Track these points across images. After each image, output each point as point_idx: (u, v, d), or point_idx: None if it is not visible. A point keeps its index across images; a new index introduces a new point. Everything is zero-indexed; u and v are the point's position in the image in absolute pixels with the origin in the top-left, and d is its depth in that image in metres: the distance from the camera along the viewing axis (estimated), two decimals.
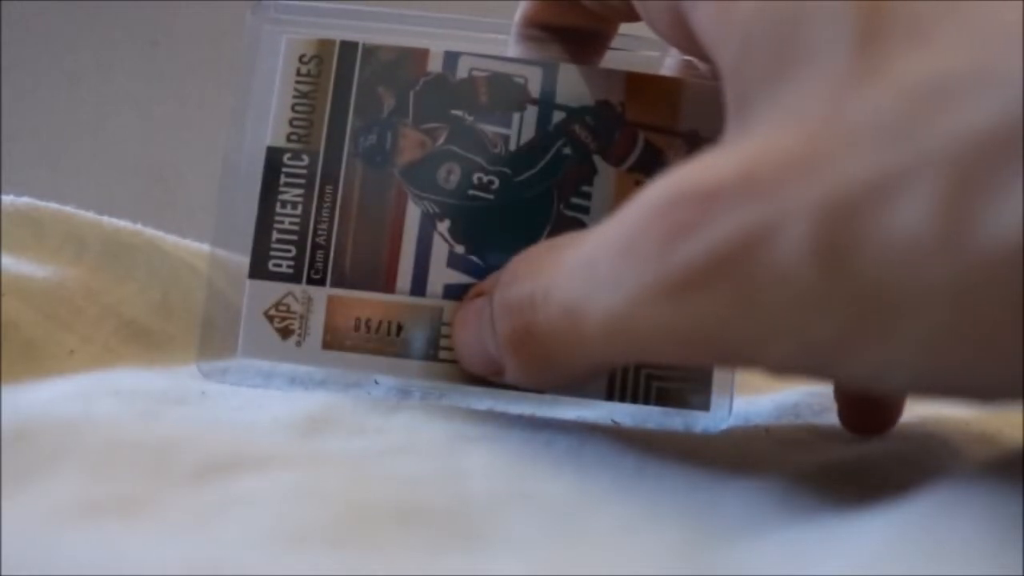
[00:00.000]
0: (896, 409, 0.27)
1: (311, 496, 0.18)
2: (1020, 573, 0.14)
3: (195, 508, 0.17)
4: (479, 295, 0.26)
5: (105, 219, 0.32)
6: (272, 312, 0.27)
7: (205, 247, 0.33)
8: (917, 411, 0.33)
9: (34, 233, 0.30)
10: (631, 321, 0.19)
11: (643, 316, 0.19)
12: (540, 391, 0.26)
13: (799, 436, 0.27)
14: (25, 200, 0.31)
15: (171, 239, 0.33)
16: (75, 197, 0.32)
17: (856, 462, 0.23)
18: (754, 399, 0.33)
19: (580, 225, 0.27)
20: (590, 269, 0.20)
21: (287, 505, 0.17)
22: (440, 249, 0.28)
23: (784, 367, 0.19)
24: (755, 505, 0.20)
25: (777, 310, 0.17)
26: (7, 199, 0.31)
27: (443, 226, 0.28)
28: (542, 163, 0.28)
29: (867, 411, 0.27)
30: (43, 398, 0.23)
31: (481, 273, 0.27)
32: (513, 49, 0.28)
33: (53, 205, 0.31)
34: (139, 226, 0.32)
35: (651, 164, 0.28)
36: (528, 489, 0.20)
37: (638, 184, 0.28)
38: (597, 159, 0.28)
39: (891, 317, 0.16)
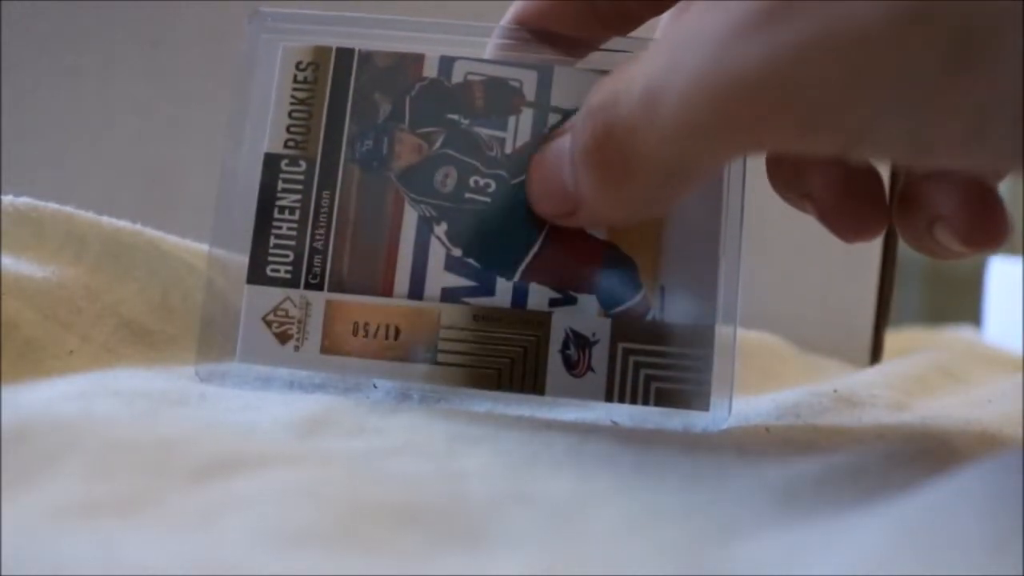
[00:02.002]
0: (1005, 211, 0.26)
1: (311, 496, 0.18)
2: (1020, 573, 0.14)
3: (195, 508, 0.17)
4: (562, 135, 0.26)
5: (105, 219, 0.32)
6: (270, 317, 0.27)
7: (205, 247, 0.33)
8: (917, 411, 0.33)
9: (34, 233, 0.30)
10: (713, 76, 0.19)
11: (727, 62, 0.19)
12: (614, 222, 0.26)
13: (799, 436, 0.27)
14: (25, 200, 0.31)
15: (171, 239, 0.33)
16: (75, 197, 0.32)
17: (856, 462, 0.23)
18: (754, 399, 0.33)
19: (576, 231, 0.27)
20: (672, 44, 0.20)
21: (287, 505, 0.17)
22: (437, 253, 0.27)
23: (870, 123, 0.18)
24: (755, 505, 0.20)
25: (870, 34, 0.17)
26: (7, 199, 0.31)
27: (440, 229, 0.28)
28: None
29: (981, 214, 0.25)
30: (43, 398, 0.23)
31: (479, 276, 0.27)
32: (492, 50, 0.28)
33: (53, 205, 0.31)
34: (139, 226, 0.32)
35: None
36: (527, 489, 0.20)
37: None
38: None
39: (989, 45, 0.17)
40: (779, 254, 0.48)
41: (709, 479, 0.22)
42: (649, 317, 0.27)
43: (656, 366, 0.27)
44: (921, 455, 0.24)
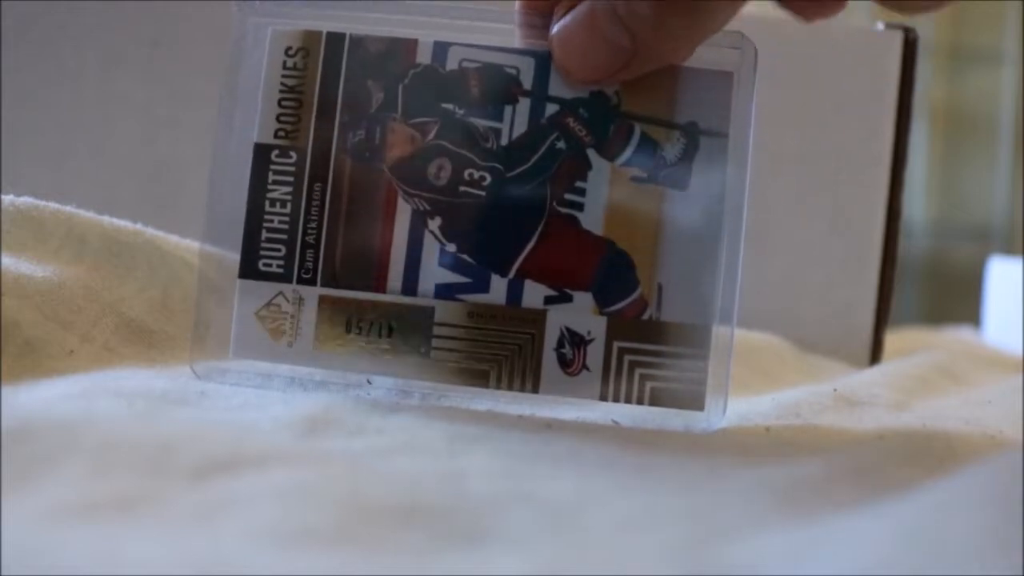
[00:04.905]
0: None
1: (311, 495, 0.18)
2: (1020, 573, 0.14)
3: (195, 507, 0.17)
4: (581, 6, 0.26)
5: (105, 218, 0.32)
6: (263, 312, 0.27)
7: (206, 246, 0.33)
8: (917, 411, 0.33)
9: (34, 232, 0.30)
10: None
11: None
12: (678, 53, 0.26)
13: (800, 435, 0.27)
14: (25, 199, 0.31)
15: (171, 239, 0.33)
16: (75, 197, 0.32)
17: (856, 462, 0.23)
18: (754, 399, 0.33)
19: (574, 222, 0.27)
20: None
21: (287, 504, 0.17)
22: (431, 248, 0.27)
23: None
24: (755, 505, 0.20)
25: None
26: (7, 199, 0.31)
27: (434, 224, 0.27)
28: (535, 158, 0.27)
29: None
30: (43, 398, 0.23)
31: (473, 273, 0.27)
32: (517, 35, 0.27)
33: (53, 204, 0.31)
34: (139, 225, 0.32)
35: (647, 158, 0.27)
36: (527, 489, 0.20)
37: (633, 179, 0.27)
38: (591, 153, 0.27)
39: None
40: (779, 254, 0.48)
41: (709, 479, 0.22)
42: (645, 316, 0.27)
43: (651, 365, 0.26)
44: (921, 455, 0.24)
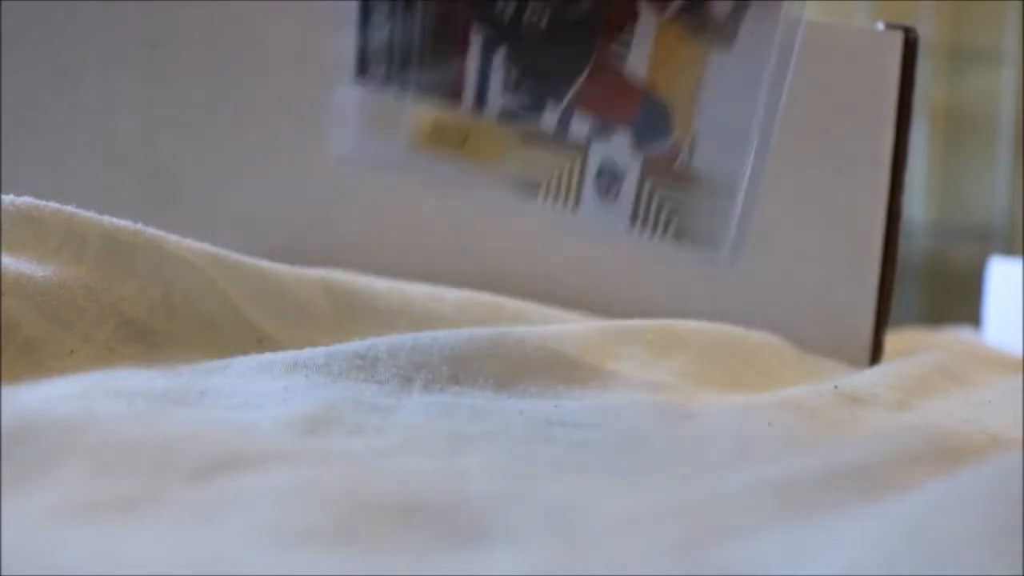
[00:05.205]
0: None
1: (311, 494, 0.18)
2: (1020, 573, 0.15)
3: (195, 506, 0.17)
4: None
5: (105, 218, 0.32)
6: (376, 108, 0.31)
7: (206, 246, 0.33)
8: (918, 411, 0.33)
9: (35, 232, 0.30)
10: None
11: None
12: None
13: (801, 433, 0.27)
14: (25, 200, 0.31)
15: (172, 238, 0.33)
16: (75, 197, 0.32)
17: (856, 461, 0.23)
18: (757, 396, 0.33)
19: (619, 67, 0.28)
20: None
21: (287, 503, 0.17)
22: (498, 73, 0.30)
23: None
24: (756, 504, 0.20)
25: None
26: (7, 199, 0.31)
27: (501, 52, 0.30)
28: (588, 2, 0.29)
29: None
30: (43, 398, 0.23)
31: (531, 99, 0.29)
32: None
33: (53, 204, 0.31)
34: (139, 225, 0.32)
35: (695, 13, 0.28)
36: (527, 487, 0.20)
37: (680, 33, 0.28)
38: (642, 4, 0.28)
39: None
40: (779, 254, 0.48)
41: (710, 477, 0.22)
42: (678, 161, 0.28)
43: (678, 204, 0.29)
44: (921, 455, 0.24)
